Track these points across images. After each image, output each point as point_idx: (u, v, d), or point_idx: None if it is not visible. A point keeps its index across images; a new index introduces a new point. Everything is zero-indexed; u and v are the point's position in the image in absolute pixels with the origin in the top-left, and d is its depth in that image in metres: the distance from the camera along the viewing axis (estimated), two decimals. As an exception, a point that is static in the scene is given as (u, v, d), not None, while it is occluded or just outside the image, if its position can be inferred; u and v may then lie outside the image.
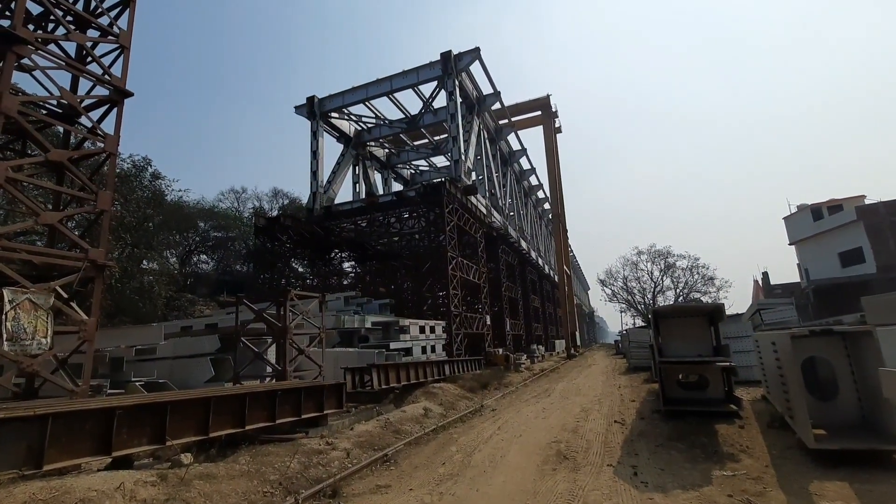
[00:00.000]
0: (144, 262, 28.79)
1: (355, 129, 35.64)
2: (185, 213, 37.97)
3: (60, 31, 10.09)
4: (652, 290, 59.06)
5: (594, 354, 44.90)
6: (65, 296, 8.16)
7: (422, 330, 18.49)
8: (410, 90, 31.45)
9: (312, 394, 8.48)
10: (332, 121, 33.71)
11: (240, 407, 7.12)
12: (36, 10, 10.07)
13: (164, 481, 5.09)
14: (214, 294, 35.05)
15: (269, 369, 11.87)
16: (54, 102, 10.23)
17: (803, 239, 37.74)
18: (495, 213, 33.41)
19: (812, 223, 36.84)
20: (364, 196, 34.25)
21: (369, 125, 35.60)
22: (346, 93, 32.51)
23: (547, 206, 59.15)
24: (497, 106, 34.91)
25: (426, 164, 43.29)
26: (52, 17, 10.18)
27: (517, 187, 45.46)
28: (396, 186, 41.74)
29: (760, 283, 47.67)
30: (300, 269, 36.02)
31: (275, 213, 42.92)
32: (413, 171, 44.41)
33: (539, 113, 47.87)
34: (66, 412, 5.10)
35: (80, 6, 10.47)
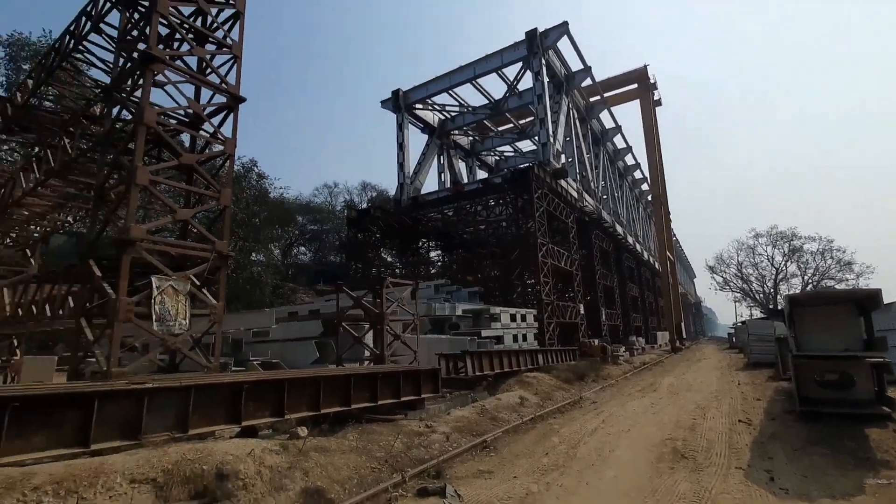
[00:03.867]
0: (253, 254, 32.25)
1: (439, 118, 36.10)
2: (285, 209, 41.77)
3: (185, 47, 11.41)
4: (773, 277, 52.33)
5: (703, 348, 41.20)
6: (197, 283, 9.34)
7: (512, 318, 18.30)
8: (494, 74, 30.97)
9: (410, 378, 8.78)
10: (417, 112, 34.46)
11: (345, 387, 7.59)
12: (163, 31, 11.50)
13: (286, 451, 5.59)
14: (313, 283, 38.15)
15: (367, 353, 12.57)
16: (182, 112, 11.68)
17: None
18: (587, 197, 31.84)
19: None
20: (449, 185, 34.67)
21: (453, 114, 35.81)
22: (430, 83, 32.97)
23: (645, 186, 55.06)
24: (588, 82, 33.05)
25: (511, 149, 42.53)
26: (177, 36, 11.56)
27: (611, 168, 42.84)
28: (481, 174, 41.64)
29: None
30: (389, 259, 37.72)
31: (364, 205, 45.36)
32: (498, 158, 43.90)
33: (635, 86, 44.50)
34: (206, 384, 5.82)
35: (198, 23, 11.75)
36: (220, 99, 11.38)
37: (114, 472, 4.38)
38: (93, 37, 12.04)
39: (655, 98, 45.46)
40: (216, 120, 11.28)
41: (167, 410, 5.45)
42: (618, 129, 42.18)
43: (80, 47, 11.93)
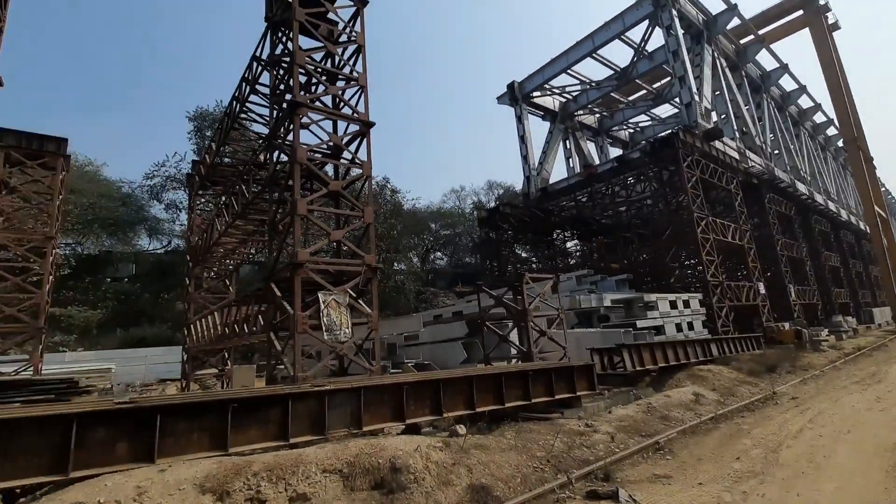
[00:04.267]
0: (395, 263, 35.13)
1: (560, 102, 34.74)
2: (419, 219, 44.64)
3: (320, 89, 12.97)
4: None
5: (951, 327, 31.92)
6: (354, 295, 10.49)
7: (672, 305, 16.55)
8: (617, 41, 28.65)
9: (563, 375, 8.54)
10: (535, 100, 33.68)
11: (497, 385, 7.71)
12: (303, 79, 13.25)
13: (448, 447, 5.89)
14: (451, 286, 39.93)
15: (513, 351, 12.62)
16: (325, 146, 13.33)
17: None
18: (752, 156, 27.28)
19: None
20: (579, 169, 33.08)
21: (574, 94, 34.14)
22: (546, 67, 31.97)
23: (832, 131, 45.09)
24: (735, 23, 28.47)
25: (648, 118, 38.81)
26: (313, 81, 13.22)
27: (780, 116, 36.05)
28: (615, 152, 38.82)
29: None
30: (524, 255, 37.47)
31: (492, 204, 45.89)
32: (633, 131, 40.46)
33: (799, 13, 36.84)
34: (373, 386, 6.47)
35: (328, 64, 13.27)
36: (353, 127, 12.67)
37: (309, 462, 5.11)
38: (252, 97, 14.48)
39: (830, 22, 36.92)
40: (352, 147, 12.60)
41: (343, 409, 6.19)
42: (783, 68, 35.32)
43: (244, 108, 14.43)
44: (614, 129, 39.23)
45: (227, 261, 18.63)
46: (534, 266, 33.24)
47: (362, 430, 6.18)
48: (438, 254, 50.21)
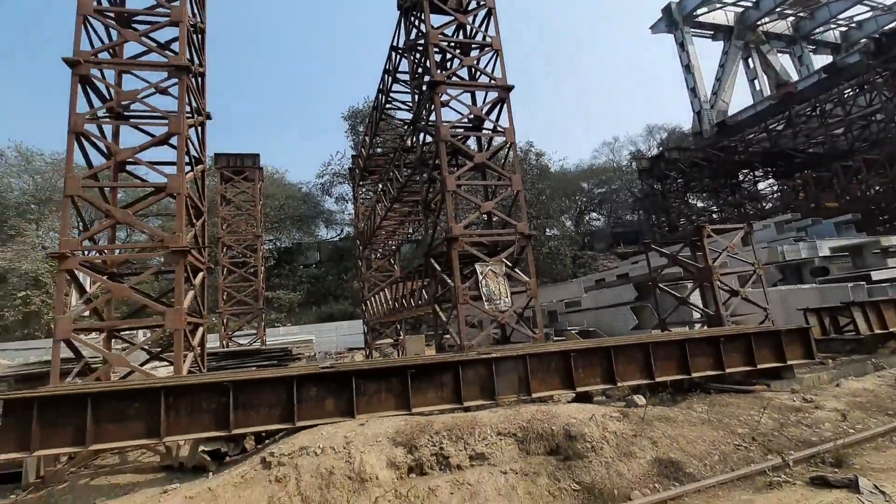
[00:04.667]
0: (547, 229, 34.34)
1: (734, 14, 29.05)
2: (568, 179, 42.67)
3: (455, 63, 13.12)
4: None
5: None
6: (509, 264, 10.61)
7: (927, 249, 12.74)
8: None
9: (766, 340, 7.36)
10: (700, 19, 28.79)
11: (679, 353, 7.02)
12: (437, 57, 13.54)
13: (626, 418, 5.60)
14: (610, 247, 37.47)
15: (696, 315, 11.31)
16: (465, 120, 13.54)
17: None
18: None
19: None
20: (770, 91, 27.40)
21: (754, -2, 28.15)
22: (711, -26, 26.98)
23: None
24: None
25: (866, 7, 29.95)
26: (448, 56, 13.44)
27: None
28: (820, 61, 31.02)
29: None
30: (700, 204, 32.99)
31: (654, 151, 41.21)
32: (846, 28, 31.75)
33: None
34: (538, 353, 6.49)
35: (460, 35, 13.31)
36: (492, 95, 12.57)
37: (483, 424, 5.39)
38: (395, 87, 15.41)
39: None
40: (493, 115, 12.53)
41: (510, 375, 6.35)
42: None
43: (389, 98, 15.48)
44: (817, 31, 31.25)
45: (390, 241, 20.66)
46: (714, 216, 29.05)
47: (531, 397, 6.27)
48: (594, 214, 47.50)
